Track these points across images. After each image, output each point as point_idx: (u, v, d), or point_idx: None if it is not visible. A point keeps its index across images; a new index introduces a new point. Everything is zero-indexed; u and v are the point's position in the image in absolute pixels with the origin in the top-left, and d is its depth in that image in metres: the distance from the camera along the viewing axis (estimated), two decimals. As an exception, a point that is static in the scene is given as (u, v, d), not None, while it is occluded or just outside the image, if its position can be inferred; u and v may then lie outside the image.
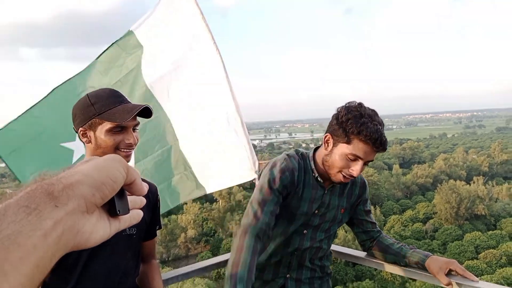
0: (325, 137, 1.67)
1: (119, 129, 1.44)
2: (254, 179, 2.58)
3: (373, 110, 1.61)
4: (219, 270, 41.44)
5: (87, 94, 1.49)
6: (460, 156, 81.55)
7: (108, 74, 3.04)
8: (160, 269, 1.75)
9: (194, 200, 55.62)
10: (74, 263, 1.41)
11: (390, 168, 74.10)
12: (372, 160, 1.60)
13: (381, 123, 1.58)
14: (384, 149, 1.57)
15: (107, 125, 1.43)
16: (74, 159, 2.82)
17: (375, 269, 37.04)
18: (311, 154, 1.77)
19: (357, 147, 1.56)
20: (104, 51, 3.09)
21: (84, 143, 1.49)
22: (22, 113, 2.88)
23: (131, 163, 2.75)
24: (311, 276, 1.87)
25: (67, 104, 2.82)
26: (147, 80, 3.00)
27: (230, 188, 54.42)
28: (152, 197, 1.66)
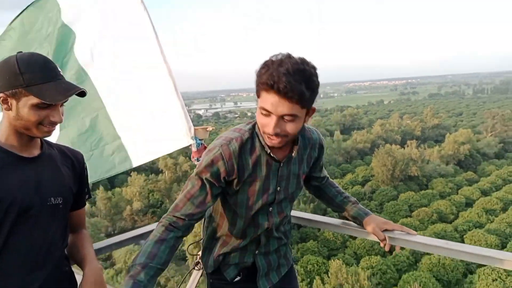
0: None
1: (45, 105, 1.34)
2: (191, 145, 2.51)
3: (292, 59, 1.35)
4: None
5: (17, 58, 1.34)
6: (396, 121, 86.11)
7: (25, 39, 2.80)
8: (90, 238, 1.68)
9: (139, 172, 54.32)
10: None
11: (331, 134, 76.49)
12: (290, 115, 1.36)
13: (291, 70, 1.30)
14: (291, 97, 1.31)
15: (34, 100, 1.32)
16: None
17: (318, 230, 38.83)
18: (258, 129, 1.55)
19: (263, 98, 1.37)
20: (17, 16, 2.84)
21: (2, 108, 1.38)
22: None
23: (56, 132, 2.59)
24: (278, 245, 1.81)
25: None
26: (75, 46, 2.80)
27: (176, 159, 53.82)
28: (78, 165, 1.59)
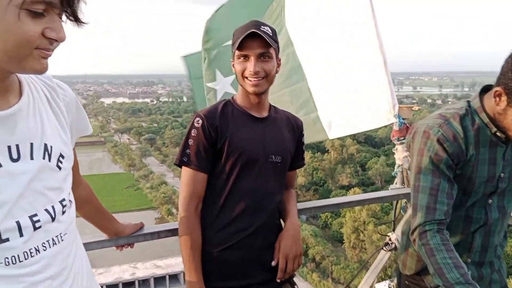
0: (496, 91, 1.33)
1: (243, 57, 1.53)
2: (393, 123, 2.45)
3: None
4: (326, 219, 42.16)
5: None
6: None
7: (243, 12, 3.14)
8: (295, 197, 1.83)
9: (306, 149, 56.08)
10: (225, 180, 1.58)
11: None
12: None
13: None
14: None
15: (236, 53, 1.54)
16: (219, 97, 3.25)
17: None
18: (477, 105, 1.42)
19: None
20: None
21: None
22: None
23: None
24: (494, 257, 1.55)
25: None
26: (287, 17, 2.98)
27: (343, 140, 53.64)
28: (297, 131, 1.75)
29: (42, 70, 0.84)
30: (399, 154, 2.38)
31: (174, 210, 47.19)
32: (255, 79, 1.50)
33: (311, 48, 2.82)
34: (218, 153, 1.56)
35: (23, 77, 0.97)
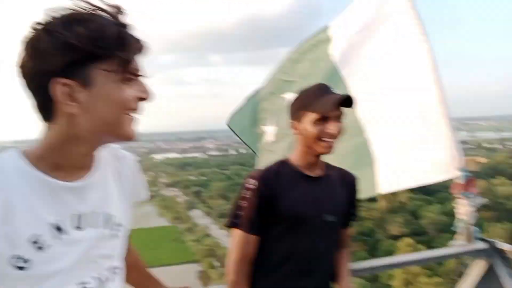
0: None
1: (322, 119, 1.49)
2: (457, 177, 2.32)
3: None
4: (377, 273, 39.42)
5: (300, 91, 1.59)
6: None
7: (299, 63, 3.11)
8: (348, 257, 1.77)
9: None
10: (274, 241, 1.56)
11: None
12: None
13: None
14: None
15: (311, 116, 1.49)
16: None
17: None
18: None
19: None
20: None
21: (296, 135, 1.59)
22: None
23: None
24: None
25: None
26: (340, 67, 2.88)
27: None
28: (352, 187, 1.71)
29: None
30: (463, 208, 2.30)
31: (216, 263, 46.35)
32: (331, 140, 1.49)
33: (369, 100, 2.58)
34: (270, 215, 1.53)
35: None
